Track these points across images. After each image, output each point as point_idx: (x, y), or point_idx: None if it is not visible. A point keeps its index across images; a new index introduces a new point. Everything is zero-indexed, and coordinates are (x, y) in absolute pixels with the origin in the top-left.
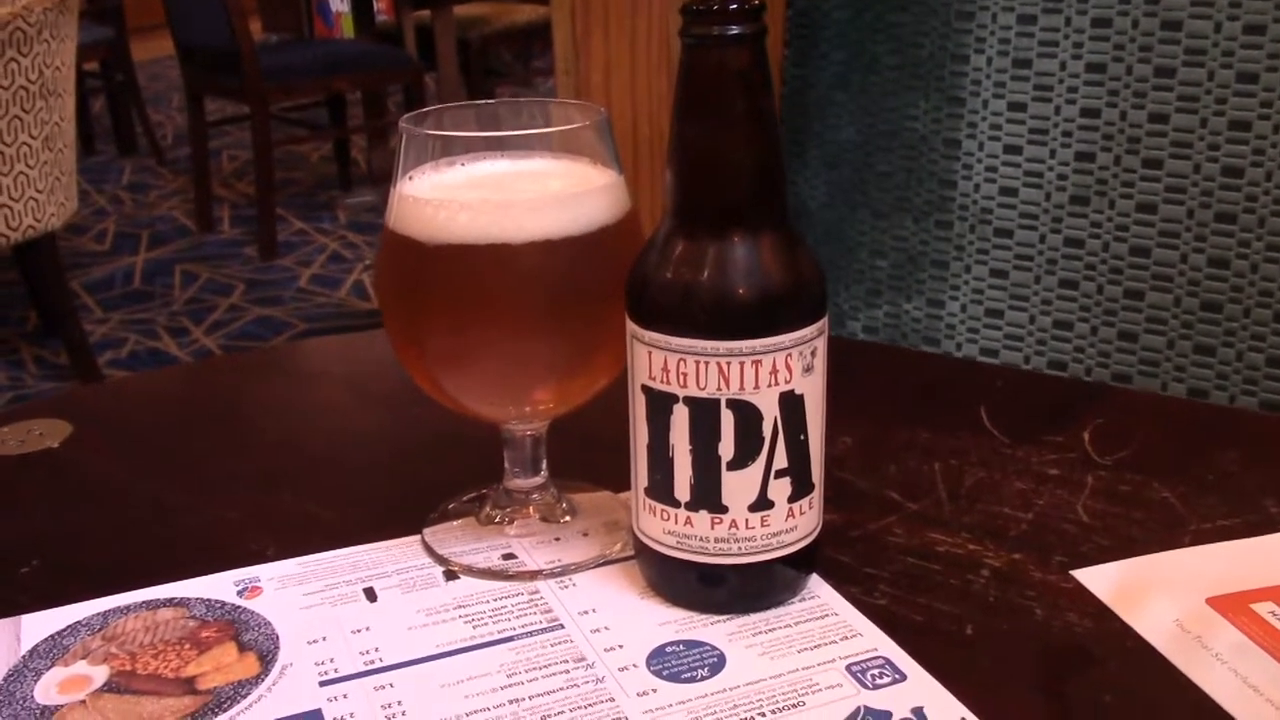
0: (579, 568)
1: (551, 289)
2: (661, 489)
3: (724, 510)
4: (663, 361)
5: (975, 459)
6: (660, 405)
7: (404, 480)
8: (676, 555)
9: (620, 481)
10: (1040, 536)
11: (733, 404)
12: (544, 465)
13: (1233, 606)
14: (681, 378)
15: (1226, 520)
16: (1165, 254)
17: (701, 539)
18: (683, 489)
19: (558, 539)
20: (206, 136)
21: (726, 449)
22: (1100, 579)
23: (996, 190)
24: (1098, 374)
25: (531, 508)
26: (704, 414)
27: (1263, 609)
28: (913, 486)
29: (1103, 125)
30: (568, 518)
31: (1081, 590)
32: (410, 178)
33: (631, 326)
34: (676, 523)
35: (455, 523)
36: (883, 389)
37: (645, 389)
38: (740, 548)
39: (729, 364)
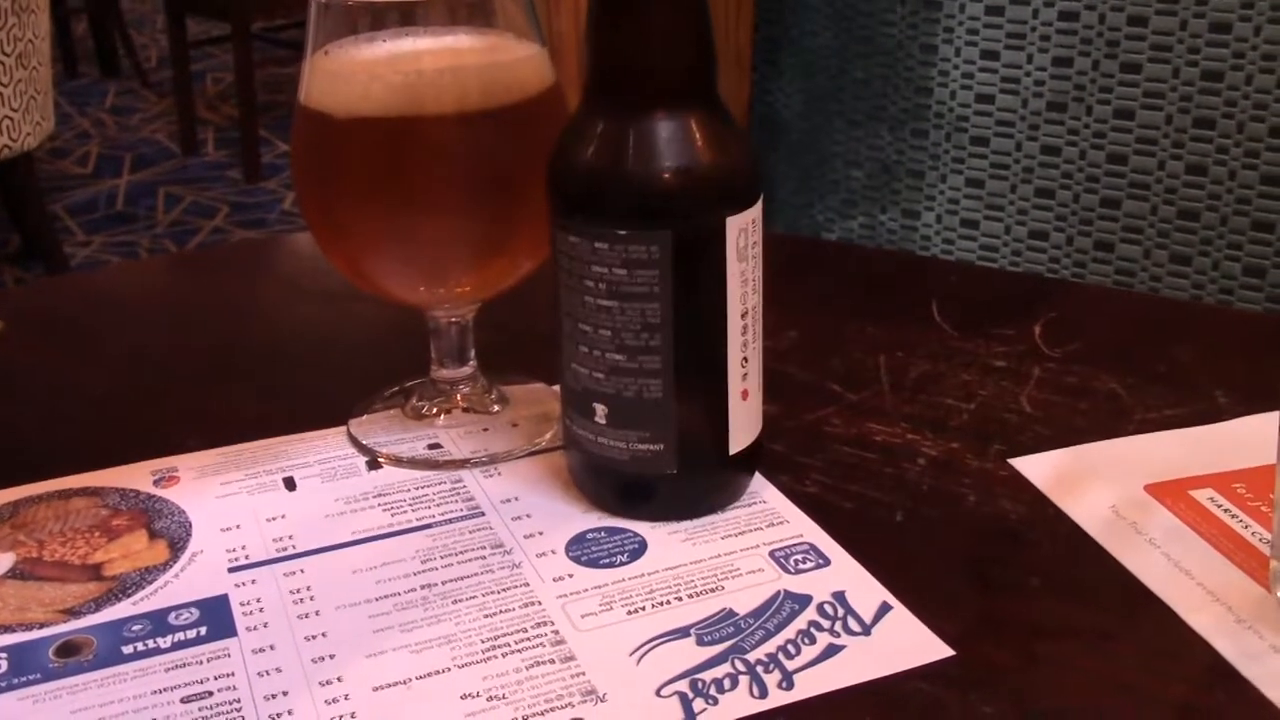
0: (506, 457)
1: (467, 164)
2: None
3: None
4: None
5: (922, 352)
6: None
7: (332, 374)
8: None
9: (556, 375)
10: (980, 426)
11: None
12: (471, 355)
13: (1171, 493)
14: None
15: (1174, 410)
16: (1142, 161)
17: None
18: None
19: (486, 429)
20: (188, 57)
21: None
22: (1038, 467)
23: (973, 97)
24: None
25: (459, 397)
26: None
27: (1201, 495)
28: (855, 378)
29: (1081, 29)
30: (497, 408)
31: (1018, 478)
32: (325, 52)
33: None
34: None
35: (381, 414)
36: (833, 284)
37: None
38: None
39: None
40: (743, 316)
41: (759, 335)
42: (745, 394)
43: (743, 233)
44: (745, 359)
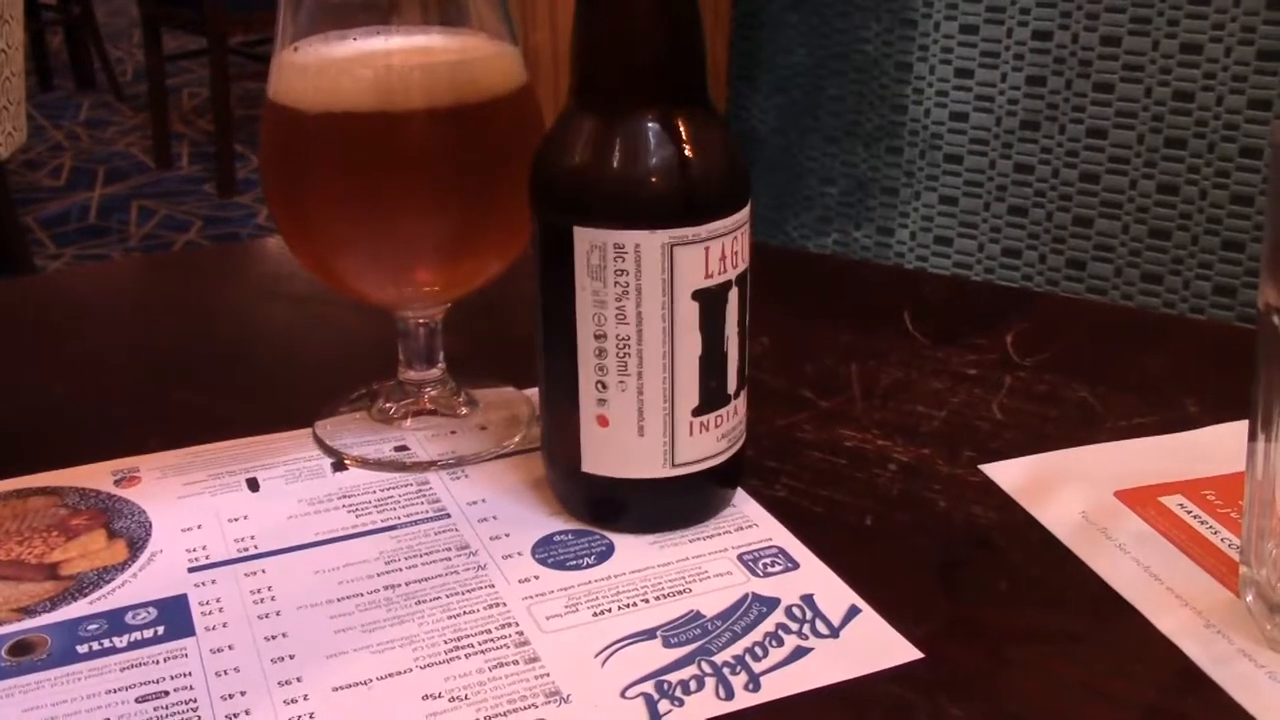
0: (473, 459)
1: (436, 160)
2: None
3: None
4: None
5: (894, 360)
6: None
7: (298, 377)
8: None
9: (527, 378)
10: (951, 433)
11: None
12: (440, 357)
13: (1140, 499)
14: None
15: (1144, 418)
16: (1115, 180)
17: None
18: None
19: (453, 432)
20: (164, 70)
21: None
22: (1008, 473)
23: (947, 115)
24: None
25: (427, 400)
26: None
27: (1171, 501)
28: (827, 385)
29: (1054, 48)
30: (465, 410)
31: (988, 484)
32: (295, 48)
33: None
34: None
35: (347, 416)
36: (806, 293)
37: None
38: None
39: None
40: None
41: None
42: None
43: None
44: None
